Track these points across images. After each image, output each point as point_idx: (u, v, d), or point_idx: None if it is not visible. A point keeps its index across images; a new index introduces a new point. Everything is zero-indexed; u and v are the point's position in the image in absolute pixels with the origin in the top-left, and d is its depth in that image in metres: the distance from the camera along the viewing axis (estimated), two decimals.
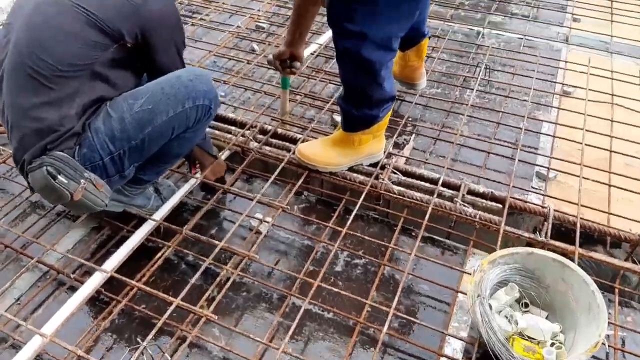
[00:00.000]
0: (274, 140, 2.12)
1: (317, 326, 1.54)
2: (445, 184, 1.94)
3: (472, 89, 2.57)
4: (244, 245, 1.76)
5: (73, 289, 1.59)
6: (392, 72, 1.84)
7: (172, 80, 1.53)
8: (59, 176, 1.38)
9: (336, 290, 1.59)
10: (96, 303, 1.57)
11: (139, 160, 1.57)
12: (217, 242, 1.67)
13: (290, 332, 1.46)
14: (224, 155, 2.05)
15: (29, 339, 1.40)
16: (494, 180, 2.03)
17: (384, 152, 2.05)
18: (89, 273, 1.61)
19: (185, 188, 1.89)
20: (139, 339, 1.34)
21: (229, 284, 1.59)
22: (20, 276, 1.59)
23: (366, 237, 1.78)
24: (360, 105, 1.82)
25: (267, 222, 1.81)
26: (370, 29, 1.62)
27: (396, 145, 2.22)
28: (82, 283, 1.57)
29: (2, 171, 2.02)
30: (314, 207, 1.97)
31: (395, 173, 1.99)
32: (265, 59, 2.74)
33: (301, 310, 1.51)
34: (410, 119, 2.38)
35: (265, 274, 1.69)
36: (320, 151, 1.94)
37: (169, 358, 1.40)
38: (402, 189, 1.91)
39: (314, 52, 2.82)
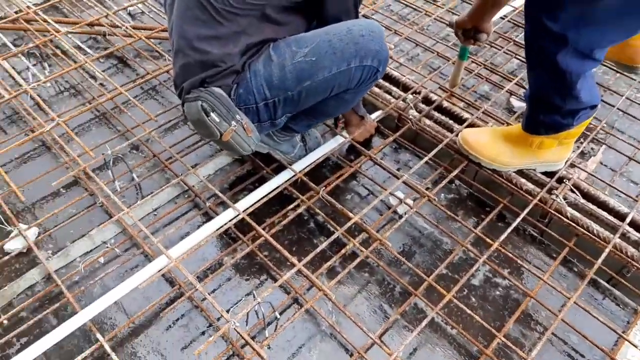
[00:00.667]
0: (436, 114, 1.89)
1: (436, 338, 1.38)
2: (635, 224, 1.59)
3: None
4: (377, 223, 1.61)
5: (206, 215, 1.60)
6: (592, 79, 1.47)
7: (342, 33, 1.37)
8: (212, 113, 1.34)
9: (468, 307, 1.40)
10: (223, 236, 1.56)
11: (293, 111, 1.48)
12: (351, 214, 1.54)
13: (408, 339, 1.31)
14: (376, 116, 1.88)
15: (158, 253, 1.43)
16: None
17: (566, 161, 1.72)
18: (222, 204, 1.59)
19: (331, 144, 1.77)
20: (254, 293, 1.30)
21: (354, 263, 1.47)
22: (162, 190, 1.62)
23: (517, 257, 1.54)
24: (548, 112, 1.51)
25: (408, 205, 1.64)
26: (575, 33, 1.27)
27: (581, 155, 1.87)
28: (216, 212, 1.57)
29: (164, 78, 2.06)
30: (464, 202, 1.74)
31: (573, 192, 1.67)
32: (446, 13, 2.46)
33: (426, 320, 1.35)
34: (605, 125, 1.98)
35: (392, 261, 1.54)
36: (489, 143, 1.67)
37: (278, 316, 1.35)
38: (577, 214, 1.60)
39: (505, 15, 2.45)
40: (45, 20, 2.19)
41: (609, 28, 1.28)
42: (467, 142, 1.70)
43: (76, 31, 2.21)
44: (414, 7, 2.54)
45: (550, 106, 1.50)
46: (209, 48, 1.33)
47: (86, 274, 1.45)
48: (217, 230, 1.51)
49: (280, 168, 1.70)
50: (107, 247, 1.48)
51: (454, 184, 1.79)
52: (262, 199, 1.58)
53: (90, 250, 1.50)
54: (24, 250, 1.49)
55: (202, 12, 1.31)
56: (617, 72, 2.17)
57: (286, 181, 1.65)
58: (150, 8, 2.42)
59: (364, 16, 2.41)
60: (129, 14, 2.43)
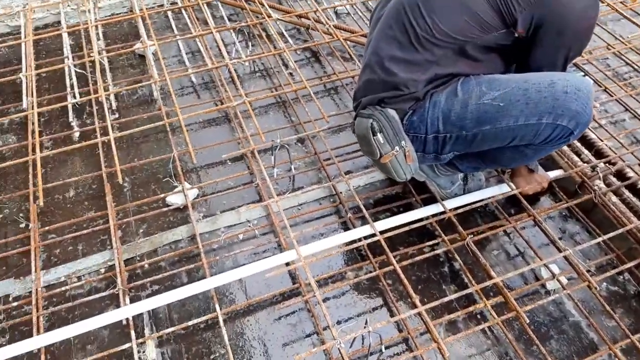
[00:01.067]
0: (627, 193, 1.64)
1: None
2: None
3: None
4: (519, 291, 1.46)
5: (344, 225, 1.62)
6: None
7: (543, 84, 1.25)
8: (378, 134, 1.34)
9: None
10: (354, 250, 1.56)
11: (462, 150, 1.41)
12: (492, 272, 1.42)
13: None
14: (555, 175, 1.70)
15: (290, 246, 1.47)
16: None
17: None
18: (362, 219, 1.58)
19: (493, 191, 1.65)
20: (367, 320, 1.28)
21: (481, 326, 1.35)
22: (312, 190, 1.67)
23: None
24: None
25: (560, 283, 1.46)
26: None
27: None
28: (353, 225, 1.58)
29: (347, 82, 2.11)
30: (627, 300, 1.49)
31: None
32: None
33: None
34: None
35: (523, 338, 1.38)
36: None
37: (384, 350, 1.31)
38: None
39: None
40: (261, 3, 2.39)
41: None
42: None
43: (285, 19, 2.39)
44: (635, 67, 2.23)
45: None
46: (397, 70, 1.32)
47: (225, 245, 1.56)
48: (349, 243, 1.51)
49: (430, 200, 1.64)
50: (250, 226, 1.58)
51: (622, 277, 1.54)
52: (402, 225, 1.54)
53: (234, 225, 1.62)
54: (181, 207, 1.66)
55: (402, 35, 1.31)
56: None
57: (433, 215, 1.58)
58: (356, 10, 2.50)
59: (574, 65, 2.19)
60: (336, 12, 2.54)
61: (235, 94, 1.97)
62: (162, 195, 1.68)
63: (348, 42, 2.28)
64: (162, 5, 2.51)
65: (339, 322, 1.39)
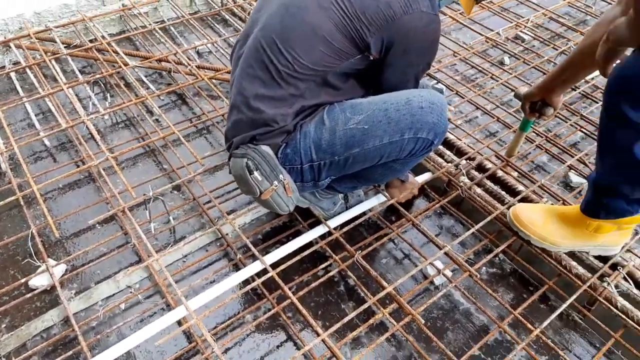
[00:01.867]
0: (488, 183, 1.80)
1: None
2: None
3: None
4: (412, 293, 1.53)
5: (235, 267, 1.58)
6: None
7: (400, 103, 1.33)
8: (255, 172, 1.34)
9: None
10: (249, 292, 1.52)
11: (337, 174, 1.45)
12: (385, 283, 1.47)
13: None
14: (425, 179, 1.82)
15: (179, 303, 1.40)
16: None
17: (623, 246, 1.58)
18: (253, 257, 1.56)
19: (371, 202, 1.72)
20: None
21: (383, 337, 1.38)
22: (196, 238, 1.61)
23: (558, 345, 1.41)
24: (612, 198, 1.39)
25: (446, 277, 1.55)
26: None
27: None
28: (244, 265, 1.54)
29: (218, 120, 2.10)
30: (505, 279, 1.63)
31: (626, 280, 1.52)
32: (513, 77, 2.37)
33: None
34: None
35: (423, 337, 1.45)
36: (541, 221, 1.56)
37: None
38: (627, 304, 1.45)
39: (577, 87, 2.34)
40: (115, 52, 2.30)
41: None
42: (518, 218, 1.59)
43: (144, 65, 2.32)
44: (479, 68, 2.47)
45: (616, 193, 1.38)
46: (264, 108, 1.33)
47: (105, 320, 1.43)
48: (244, 285, 1.48)
49: (317, 223, 1.66)
50: (131, 292, 1.48)
51: (497, 258, 1.68)
52: (294, 254, 1.54)
53: (114, 294, 1.49)
54: (48, 288, 1.48)
55: (263, 72, 1.32)
56: None
57: (322, 238, 1.61)
58: (218, 48, 2.50)
59: (427, 75, 2.37)
60: (197, 52, 2.52)
61: (97, 150, 1.85)
62: (24, 280, 1.48)
63: (213, 81, 2.27)
64: (3, 67, 2.31)
65: None
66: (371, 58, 1.29)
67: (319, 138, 1.35)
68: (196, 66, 2.30)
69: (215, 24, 2.72)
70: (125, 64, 2.23)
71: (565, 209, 1.58)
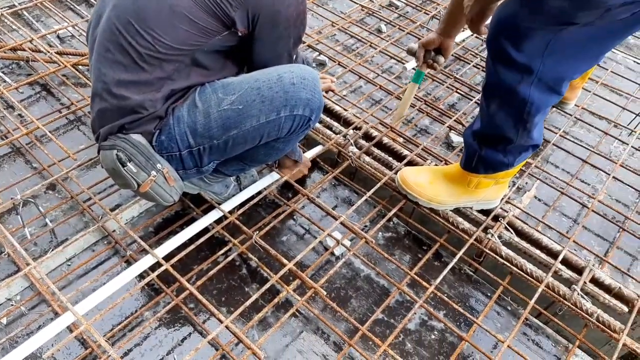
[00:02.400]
0: (376, 151, 1.86)
1: None
2: (567, 262, 1.60)
3: (627, 143, 2.13)
4: (314, 266, 1.55)
5: (128, 264, 1.48)
6: (543, 117, 1.45)
7: (272, 80, 1.29)
8: (128, 164, 1.24)
9: (403, 354, 1.37)
10: (145, 288, 1.44)
11: (220, 158, 1.39)
12: (285, 260, 1.47)
13: None
14: (316, 152, 1.83)
15: (66, 310, 1.29)
16: (626, 273, 1.65)
17: (502, 199, 1.72)
18: (145, 251, 1.48)
19: (266, 181, 1.70)
20: (174, 356, 1.19)
21: (288, 313, 1.39)
22: (78, 238, 1.48)
23: (453, 298, 1.51)
24: (492, 147, 1.50)
25: (345, 247, 1.58)
26: (540, 63, 1.24)
27: (517, 190, 1.88)
28: (136, 260, 1.45)
29: (89, 109, 1.93)
30: (401, 241, 1.71)
31: (508, 230, 1.66)
32: (390, 44, 2.45)
33: None
34: (540, 160, 2.01)
35: (327, 308, 1.47)
36: (426, 183, 1.65)
37: None
38: (511, 253, 1.60)
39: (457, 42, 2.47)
40: None
41: (574, 58, 1.25)
42: (405, 181, 1.67)
43: None
44: (358, 38, 2.52)
45: (496, 140, 1.47)
46: (128, 94, 1.22)
47: None
48: (139, 281, 1.39)
49: (212, 208, 1.61)
50: (12, 304, 1.34)
51: (391, 222, 1.75)
52: (189, 242, 1.48)
53: None
54: None
55: (123, 56, 1.21)
56: (552, 106, 2.22)
57: (218, 223, 1.56)
58: (81, 32, 2.29)
59: (309, 47, 2.36)
60: (58, 37, 2.29)
61: None
62: None
63: (80, 67, 2.08)
64: None
65: None
66: (239, 34, 1.24)
67: (194, 122, 1.27)
68: (57, 52, 2.08)
69: (75, 5, 2.49)
70: None
71: (447, 169, 1.67)
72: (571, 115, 2.22)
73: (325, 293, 1.42)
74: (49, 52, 2.05)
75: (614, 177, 1.97)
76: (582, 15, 1.14)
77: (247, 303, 1.35)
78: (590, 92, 2.36)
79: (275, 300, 1.43)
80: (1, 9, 2.31)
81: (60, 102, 1.99)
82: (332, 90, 1.94)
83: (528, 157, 1.54)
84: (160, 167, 1.28)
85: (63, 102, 1.98)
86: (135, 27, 1.18)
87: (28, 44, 2.09)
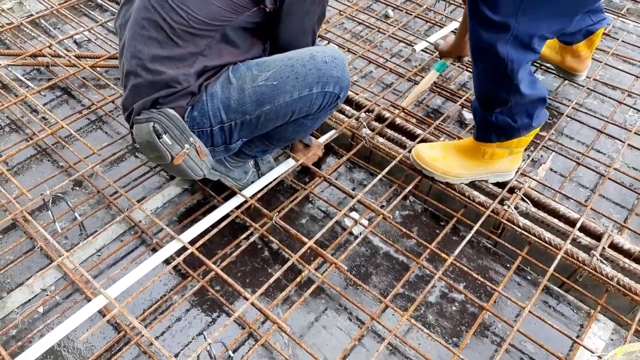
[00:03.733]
0: (389, 131, 1.89)
1: None
2: (585, 229, 1.60)
3: None
4: (334, 245, 1.59)
5: (155, 252, 1.53)
6: (532, 75, 1.49)
7: (305, 59, 1.35)
8: (164, 135, 1.29)
9: (425, 326, 1.39)
10: (172, 272, 1.50)
11: (249, 135, 1.45)
12: (305, 239, 1.51)
13: None
14: (330, 135, 1.87)
15: (98, 294, 1.35)
16: None
17: (517, 170, 1.73)
18: (170, 239, 1.53)
19: (283, 167, 1.74)
20: (204, 334, 1.24)
21: (310, 290, 1.43)
22: (106, 229, 1.54)
23: (472, 270, 1.53)
24: (497, 112, 1.52)
25: (363, 226, 1.62)
26: (515, 21, 1.30)
27: (532, 163, 1.89)
28: (162, 248, 1.50)
29: (110, 109, 2.00)
30: (418, 218, 1.73)
31: (524, 201, 1.68)
32: (398, 29, 2.47)
33: (384, 344, 1.32)
34: (554, 132, 2.02)
35: (349, 284, 1.51)
36: (441, 157, 1.67)
37: (232, 355, 1.30)
38: (528, 222, 1.61)
39: (456, 29, 2.48)
40: None
41: (547, 16, 1.31)
42: (420, 156, 1.69)
43: (17, 63, 2.14)
44: (366, 24, 2.54)
45: (497, 104, 1.51)
46: (163, 68, 1.28)
47: (25, 326, 1.36)
48: (163, 266, 1.45)
49: (232, 194, 1.66)
50: (48, 294, 1.41)
51: (408, 200, 1.78)
52: (212, 229, 1.53)
53: (30, 300, 1.41)
54: None
55: (158, 32, 1.27)
56: (564, 78, 2.22)
57: (237, 208, 1.61)
58: (97, 35, 2.36)
59: (318, 36, 2.39)
60: (75, 42, 2.37)
61: None
62: None
63: (97, 69, 2.15)
64: None
65: (180, 352, 1.33)
66: (267, 10, 1.29)
67: (228, 98, 1.33)
68: (75, 56, 2.16)
69: (90, 11, 2.57)
70: None
71: (461, 142, 1.70)
72: (584, 86, 2.22)
73: (346, 268, 1.46)
74: (67, 56, 2.12)
75: (629, 145, 1.97)
76: None
77: (270, 281, 1.40)
78: (601, 62, 2.34)
79: (298, 279, 1.47)
80: (22, 18, 2.39)
81: (81, 103, 2.06)
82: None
83: (541, 117, 1.56)
84: (193, 141, 1.33)
85: (84, 103, 2.06)
86: (170, 3, 1.24)
87: (47, 50, 2.17)
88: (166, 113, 1.30)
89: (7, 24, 2.37)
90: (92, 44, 2.37)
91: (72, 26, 2.44)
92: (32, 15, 2.47)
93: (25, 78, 2.13)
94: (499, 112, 1.53)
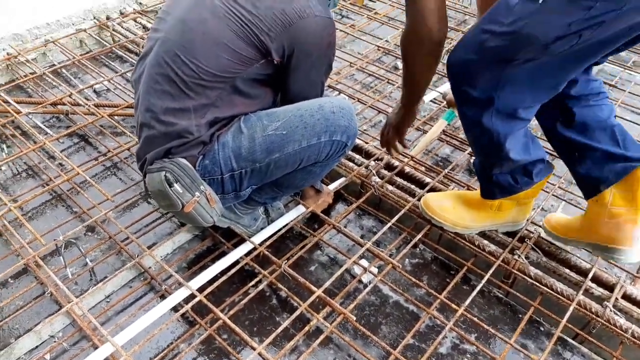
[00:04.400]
0: (398, 180, 1.90)
1: None
2: (597, 280, 1.58)
3: None
4: (343, 294, 1.57)
5: (163, 298, 1.53)
6: (525, 137, 1.44)
7: (314, 109, 1.40)
8: (175, 184, 1.33)
9: None
10: (179, 320, 1.49)
11: (259, 183, 1.48)
12: (314, 287, 1.50)
13: None
14: (339, 183, 1.89)
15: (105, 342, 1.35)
16: None
17: (527, 220, 1.73)
18: (179, 285, 1.53)
19: (293, 214, 1.75)
20: None
21: (318, 340, 1.41)
22: (116, 275, 1.55)
23: (483, 321, 1.50)
24: (496, 174, 1.53)
25: (372, 274, 1.61)
26: (495, 96, 1.29)
27: (542, 212, 1.88)
28: (171, 294, 1.50)
29: (125, 156, 2.05)
30: (428, 266, 1.72)
31: (535, 250, 1.66)
32: None
33: None
34: (564, 182, 2.02)
35: (358, 334, 1.49)
36: (450, 207, 1.68)
37: None
38: (540, 272, 1.59)
39: None
40: (5, 101, 2.19)
41: (529, 88, 1.30)
42: (429, 206, 1.70)
43: (37, 111, 2.22)
44: (376, 75, 2.61)
45: (494, 166, 1.51)
46: (175, 120, 1.33)
47: None
48: (171, 313, 1.44)
49: (241, 242, 1.67)
50: (55, 341, 1.40)
51: (418, 249, 1.78)
52: (220, 276, 1.53)
53: (37, 347, 1.41)
54: None
55: (170, 86, 1.32)
56: None
57: (247, 255, 1.61)
58: (116, 85, 2.45)
59: (329, 87, 2.47)
60: (95, 91, 2.46)
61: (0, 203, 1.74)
62: None
63: (115, 117, 2.22)
64: None
65: None
66: (275, 62, 1.33)
67: (239, 147, 1.37)
68: (94, 105, 2.23)
69: (110, 62, 2.67)
70: (18, 112, 2.13)
71: (469, 194, 1.70)
72: None
73: (354, 318, 1.44)
74: (87, 104, 2.20)
75: None
76: (521, 54, 1.20)
77: (278, 330, 1.38)
78: None
79: (306, 328, 1.45)
80: (44, 68, 2.50)
81: (97, 150, 2.12)
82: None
83: (542, 174, 1.55)
84: (204, 189, 1.36)
85: (100, 150, 2.11)
86: (182, 57, 1.30)
87: (67, 99, 2.25)
88: (178, 162, 1.34)
89: (30, 73, 2.48)
90: (111, 93, 2.45)
91: (92, 76, 2.54)
92: (54, 65, 2.57)
93: (44, 125, 2.20)
94: (498, 173, 1.52)
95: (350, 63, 2.68)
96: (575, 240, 1.57)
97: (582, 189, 1.52)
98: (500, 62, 1.24)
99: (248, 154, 1.38)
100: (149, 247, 1.63)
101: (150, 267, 1.61)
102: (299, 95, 1.45)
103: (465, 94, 1.34)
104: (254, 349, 1.34)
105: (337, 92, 2.44)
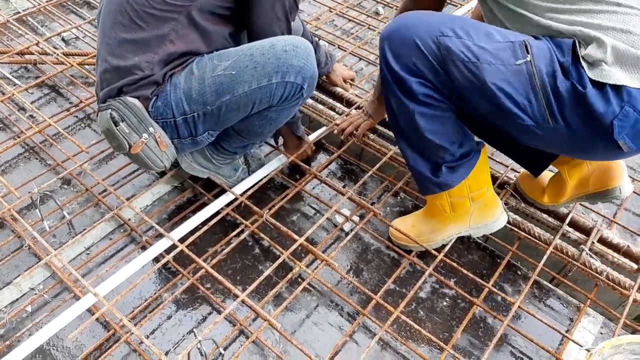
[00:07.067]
0: (380, 128, 1.89)
1: (386, 357, 1.35)
2: (574, 224, 1.61)
3: None
4: (325, 242, 1.59)
5: (143, 250, 1.52)
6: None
7: (265, 48, 1.32)
8: (121, 123, 1.28)
9: (416, 321, 1.39)
10: (162, 271, 1.49)
11: (215, 128, 1.42)
12: (296, 236, 1.50)
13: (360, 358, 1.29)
14: (320, 132, 1.86)
15: (86, 292, 1.35)
16: (636, 232, 1.67)
17: (508, 167, 1.73)
18: (160, 237, 1.52)
19: (274, 165, 1.74)
20: (194, 331, 1.24)
21: (300, 287, 1.43)
22: (94, 227, 1.53)
23: (463, 266, 1.53)
24: (422, 164, 1.40)
25: (354, 222, 1.62)
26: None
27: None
28: (152, 246, 1.49)
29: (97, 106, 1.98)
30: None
31: (514, 197, 1.68)
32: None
33: (375, 339, 1.32)
34: None
35: (340, 281, 1.51)
36: (411, 226, 1.55)
37: (223, 352, 1.30)
38: (518, 218, 1.62)
39: None
40: None
41: None
42: (393, 233, 1.58)
43: (4, 61, 2.12)
44: (357, 21, 2.54)
45: (421, 156, 1.39)
46: (127, 53, 1.28)
47: (13, 325, 1.34)
48: (152, 264, 1.44)
49: (222, 192, 1.65)
50: (36, 293, 1.39)
51: (399, 197, 1.78)
52: (202, 226, 1.52)
53: (18, 299, 1.40)
54: None
55: (122, 16, 1.27)
56: None
57: (228, 206, 1.60)
58: (85, 33, 2.34)
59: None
60: (63, 39, 2.34)
61: None
62: None
63: (85, 67, 2.13)
64: None
65: (170, 350, 1.32)
66: None
67: (189, 88, 1.32)
68: (63, 53, 2.14)
69: (78, 8, 2.54)
70: None
71: (426, 206, 1.56)
72: None
73: (336, 264, 1.46)
74: (55, 53, 2.10)
75: None
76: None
77: (261, 278, 1.39)
78: None
79: (289, 275, 1.47)
80: (8, 15, 2.36)
81: (69, 101, 2.04)
82: (352, 80, 2.03)
83: (463, 165, 1.38)
84: (153, 131, 1.32)
85: (72, 100, 2.04)
86: None
87: (35, 47, 2.15)
88: (125, 101, 1.29)
89: None
90: (80, 41, 2.34)
91: (59, 24, 2.42)
92: (19, 12, 2.44)
93: (12, 76, 2.10)
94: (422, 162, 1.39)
95: (330, 8, 2.60)
96: (569, 200, 1.58)
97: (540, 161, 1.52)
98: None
99: (198, 96, 1.32)
100: (128, 199, 1.61)
101: (129, 219, 1.59)
102: (260, 32, 1.37)
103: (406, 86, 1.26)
104: (237, 296, 1.35)
105: (317, 39, 2.37)
